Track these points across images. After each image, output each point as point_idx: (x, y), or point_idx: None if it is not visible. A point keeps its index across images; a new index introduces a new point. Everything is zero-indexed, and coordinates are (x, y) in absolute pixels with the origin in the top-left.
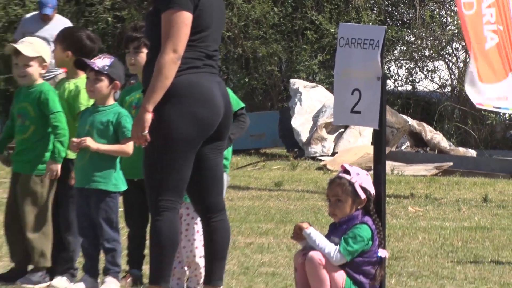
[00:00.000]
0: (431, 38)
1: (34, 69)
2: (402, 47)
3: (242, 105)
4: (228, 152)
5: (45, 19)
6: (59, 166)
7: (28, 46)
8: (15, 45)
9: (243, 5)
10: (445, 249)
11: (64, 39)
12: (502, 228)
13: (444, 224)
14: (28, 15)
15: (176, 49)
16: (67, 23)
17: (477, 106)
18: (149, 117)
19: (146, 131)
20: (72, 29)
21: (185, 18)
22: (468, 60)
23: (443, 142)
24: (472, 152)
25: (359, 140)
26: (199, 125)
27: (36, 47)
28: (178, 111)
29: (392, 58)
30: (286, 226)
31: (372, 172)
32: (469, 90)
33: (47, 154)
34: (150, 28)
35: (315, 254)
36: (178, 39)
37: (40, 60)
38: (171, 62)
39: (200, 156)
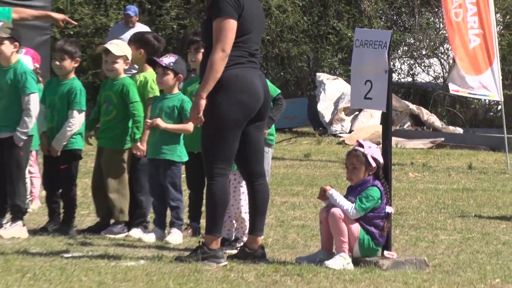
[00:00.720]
0: (427, 40)
1: (120, 65)
2: (404, 48)
3: (279, 91)
4: (272, 129)
5: (128, 22)
6: (139, 144)
7: (116, 46)
8: (106, 45)
9: (279, 15)
10: (438, 206)
11: (136, 40)
12: (484, 190)
13: (438, 187)
14: (116, 24)
15: (224, 49)
16: (147, 29)
17: (452, 92)
18: (203, 103)
19: (201, 114)
20: (143, 32)
21: (231, 25)
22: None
23: (437, 122)
24: (460, 130)
25: (370, 121)
26: (244, 109)
27: (122, 47)
28: (226, 98)
29: (396, 56)
30: (313, 188)
31: (380, 146)
32: (450, 79)
33: (125, 134)
34: (205, 32)
35: (336, 210)
36: (226, 41)
37: (124, 58)
38: (220, 59)
39: (245, 133)
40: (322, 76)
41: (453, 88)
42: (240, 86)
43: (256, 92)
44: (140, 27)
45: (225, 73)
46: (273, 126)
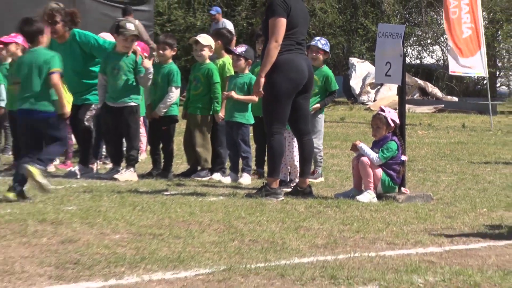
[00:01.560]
0: (431, 32)
1: (205, 53)
2: (414, 38)
3: (337, 88)
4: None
5: (212, 19)
6: (219, 113)
7: (203, 38)
8: (195, 37)
9: (322, 15)
10: (440, 155)
11: (215, 34)
12: (473, 143)
13: (439, 141)
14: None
15: (277, 40)
16: (228, 23)
17: (451, 72)
18: (262, 80)
19: (261, 89)
20: (220, 28)
21: (281, 22)
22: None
23: (438, 93)
24: (455, 99)
25: (389, 92)
26: (293, 84)
27: (207, 39)
28: (280, 76)
29: (408, 44)
30: (347, 143)
31: (397, 111)
32: (450, 62)
33: (208, 104)
34: (264, 28)
35: (364, 159)
36: (278, 34)
37: (209, 47)
38: (273, 48)
39: (295, 102)
40: (353, 60)
41: (452, 70)
42: (290, 67)
43: (302, 71)
44: (225, 23)
45: (279, 57)
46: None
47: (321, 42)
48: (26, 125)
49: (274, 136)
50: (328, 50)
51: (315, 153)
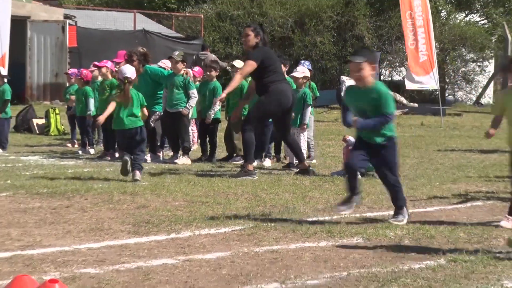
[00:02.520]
0: (399, 58)
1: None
2: (386, 61)
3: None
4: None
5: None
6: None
7: (237, 63)
8: (232, 62)
9: (321, 46)
10: (405, 144)
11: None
12: (429, 136)
13: (404, 134)
14: None
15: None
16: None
17: (408, 88)
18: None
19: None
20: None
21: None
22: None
23: (404, 101)
24: (416, 105)
25: None
26: (280, 108)
27: (240, 63)
28: (271, 100)
29: (382, 66)
30: (339, 136)
31: None
32: (406, 82)
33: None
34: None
35: (351, 147)
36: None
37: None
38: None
39: (282, 117)
40: (344, 77)
41: (407, 87)
42: (282, 95)
43: (289, 98)
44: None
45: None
46: (309, 114)
47: (306, 64)
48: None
49: (247, 132)
50: (310, 69)
51: (308, 142)
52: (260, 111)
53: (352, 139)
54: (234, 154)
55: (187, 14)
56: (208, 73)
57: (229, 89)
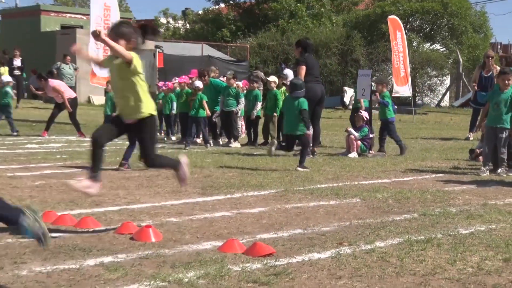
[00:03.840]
0: (384, 74)
1: (273, 85)
2: (375, 77)
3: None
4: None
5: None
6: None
7: (272, 77)
8: (268, 78)
9: (331, 64)
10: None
11: (279, 76)
12: (404, 128)
13: None
14: None
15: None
16: (288, 71)
17: (393, 95)
18: None
19: None
20: (282, 74)
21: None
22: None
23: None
24: (396, 106)
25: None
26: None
27: (275, 78)
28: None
29: (372, 81)
30: (342, 128)
31: (367, 113)
32: (393, 91)
33: (274, 108)
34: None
35: (352, 136)
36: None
37: (274, 82)
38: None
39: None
40: (346, 88)
41: (393, 94)
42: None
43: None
44: (286, 71)
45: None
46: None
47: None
48: None
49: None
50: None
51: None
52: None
53: (352, 130)
54: (269, 141)
55: (237, 44)
56: (251, 84)
57: None
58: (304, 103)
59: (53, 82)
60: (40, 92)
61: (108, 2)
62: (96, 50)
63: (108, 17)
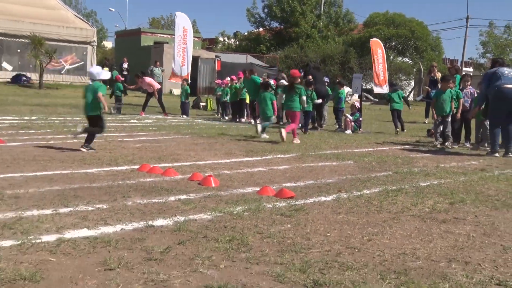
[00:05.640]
0: (371, 76)
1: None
2: (364, 78)
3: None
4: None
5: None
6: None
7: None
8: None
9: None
10: (373, 118)
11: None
12: (384, 115)
13: (371, 113)
14: None
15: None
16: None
17: (374, 91)
18: None
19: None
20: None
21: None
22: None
23: (372, 98)
24: (377, 100)
25: (355, 96)
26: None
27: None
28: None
29: (363, 81)
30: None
31: (358, 103)
32: (374, 88)
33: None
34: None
35: (347, 119)
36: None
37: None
38: None
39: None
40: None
41: (374, 91)
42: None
43: (322, 92)
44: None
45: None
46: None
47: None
48: None
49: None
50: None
51: (325, 115)
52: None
53: (348, 115)
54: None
55: (270, 55)
56: (278, 82)
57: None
58: (304, 91)
59: (147, 79)
60: (131, 87)
61: (186, 26)
62: (178, 59)
63: (186, 37)
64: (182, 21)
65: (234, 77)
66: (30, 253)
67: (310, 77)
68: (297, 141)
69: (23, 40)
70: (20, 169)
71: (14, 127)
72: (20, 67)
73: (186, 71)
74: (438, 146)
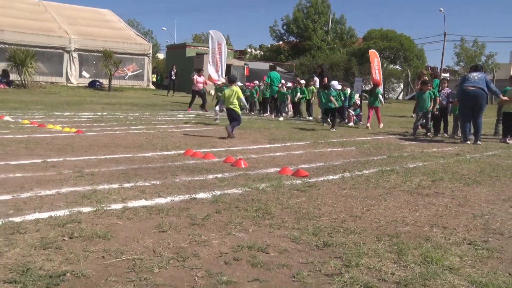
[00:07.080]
0: (368, 79)
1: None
2: (363, 81)
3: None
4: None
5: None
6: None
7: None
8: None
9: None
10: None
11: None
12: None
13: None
14: None
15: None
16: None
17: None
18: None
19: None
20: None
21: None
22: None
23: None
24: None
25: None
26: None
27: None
28: None
29: (362, 84)
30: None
31: (360, 102)
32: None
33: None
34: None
35: (350, 114)
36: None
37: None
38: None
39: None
40: (348, 88)
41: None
42: None
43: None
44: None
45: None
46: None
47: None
48: None
49: None
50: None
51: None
52: None
53: (350, 110)
54: (304, 116)
55: (288, 63)
56: (295, 85)
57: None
58: (334, 93)
59: (200, 78)
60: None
61: (219, 40)
62: (212, 66)
63: (220, 49)
64: (217, 37)
65: (259, 82)
66: (103, 218)
67: (326, 79)
68: (381, 125)
69: (97, 54)
70: (94, 153)
71: (89, 121)
72: (95, 75)
73: (221, 76)
74: (416, 136)
